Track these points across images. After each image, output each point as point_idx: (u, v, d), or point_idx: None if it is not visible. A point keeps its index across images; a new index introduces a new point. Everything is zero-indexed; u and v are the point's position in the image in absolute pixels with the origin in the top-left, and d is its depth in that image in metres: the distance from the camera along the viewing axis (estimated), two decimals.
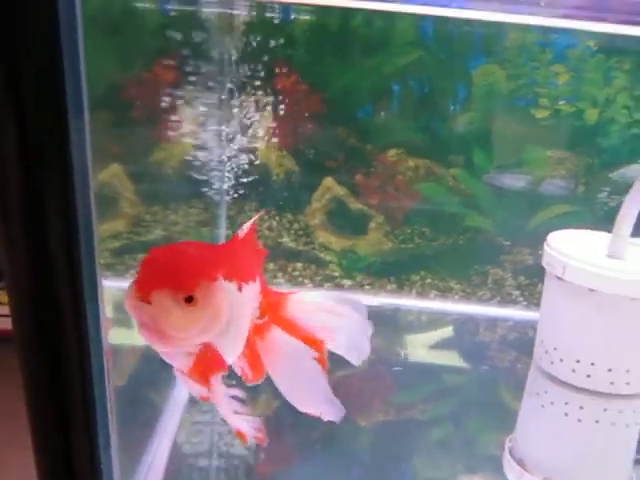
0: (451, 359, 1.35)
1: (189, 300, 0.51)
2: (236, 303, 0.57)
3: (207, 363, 0.56)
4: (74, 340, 0.42)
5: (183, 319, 0.51)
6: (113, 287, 1.53)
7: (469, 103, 1.48)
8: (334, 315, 0.68)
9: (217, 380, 0.59)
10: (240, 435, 0.62)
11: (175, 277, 0.51)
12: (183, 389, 1.04)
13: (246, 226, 0.64)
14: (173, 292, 0.50)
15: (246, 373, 0.67)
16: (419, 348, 1.37)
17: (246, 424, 0.64)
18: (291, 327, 0.67)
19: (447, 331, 1.48)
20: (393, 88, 1.49)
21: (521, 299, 1.56)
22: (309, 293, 0.72)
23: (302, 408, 0.66)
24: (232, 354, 0.61)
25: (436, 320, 1.54)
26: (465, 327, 1.52)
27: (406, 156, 1.51)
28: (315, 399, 0.67)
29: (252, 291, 0.62)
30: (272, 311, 0.66)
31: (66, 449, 0.45)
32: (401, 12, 1.35)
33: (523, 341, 1.27)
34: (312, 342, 0.65)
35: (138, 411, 0.99)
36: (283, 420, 1.06)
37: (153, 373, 1.13)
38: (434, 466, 0.97)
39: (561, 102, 1.44)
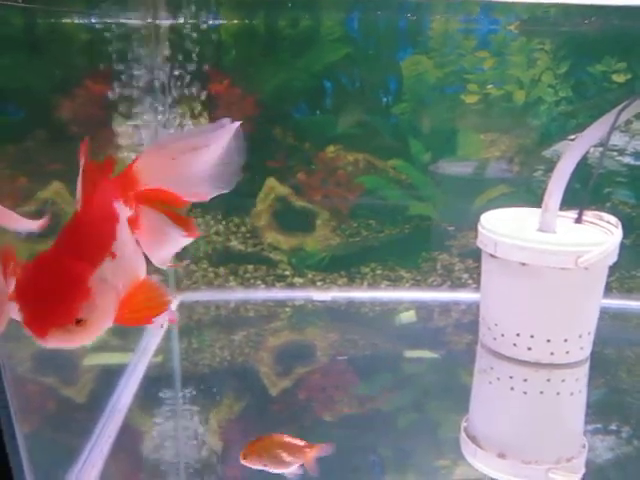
0: (409, 347, 1.37)
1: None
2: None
3: None
4: None
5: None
6: None
7: (400, 94, 1.50)
8: (197, 152, 0.67)
9: None
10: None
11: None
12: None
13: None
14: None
15: None
16: (376, 338, 1.39)
17: None
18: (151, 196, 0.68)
19: (403, 319, 1.50)
20: (325, 85, 1.51)
21: (470, 282, 1.59)
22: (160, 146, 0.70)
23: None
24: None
25: (389, 310, 1.56)
26: (419, 314, 1.54)
27: (344, 151, 1.53)
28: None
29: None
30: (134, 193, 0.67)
31: None
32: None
33: (477, 323, 1.29)
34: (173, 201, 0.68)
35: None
36: (249, 417, 1.07)
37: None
38: (399, 454, 0.98)
39: (489, 86, 1.48)
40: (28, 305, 0.55)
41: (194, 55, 1.41)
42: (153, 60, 1.39)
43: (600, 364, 1.21)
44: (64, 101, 1.39)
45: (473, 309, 1.41)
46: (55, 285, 0.56)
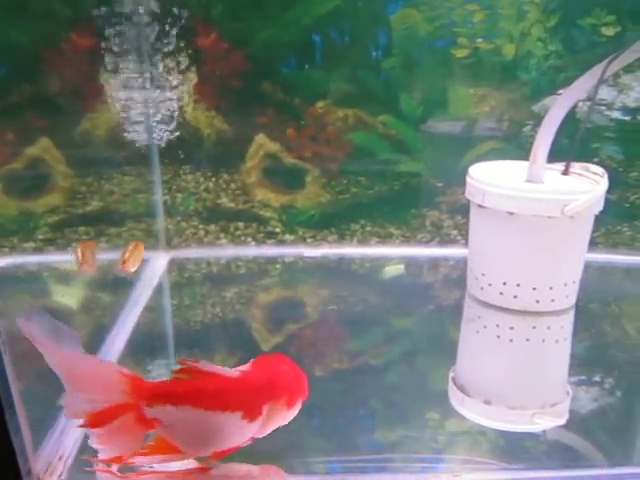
0: (398, 302, 1.38)
1: None
2: None
3: None
4: None
5: None
6: (56, 261, 1.54)
7: (390, 48, 1.49)
8: None
9: None
10: None
11: None
12: None
13: None
14: None
15: None
16: (366, 294, 1.40)
17: None
18: None
19: (392, 273, 1.52)
20: (314, 39, 1.49)
21: (459, 238, 1.60)
22: None
23: None
24: None
25: (379, 266, 1.57)
26: (409, 270, 1.56)
27: (334, 107, 1.52)
28: None
29: None
30: None
31: None
32: None
33: (465, 278, 1.31)
34: None
35: None
36: None
37: None
38: (389, 407, 1.00)
39: (479, 40, 1.46)
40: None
41: (181, 8, 1.39)
42: (139, 13, 1.37)
43: (584, 317, 1.23)
44: (47, 55, 1.37)
45: (462, 265, 1.43)
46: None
